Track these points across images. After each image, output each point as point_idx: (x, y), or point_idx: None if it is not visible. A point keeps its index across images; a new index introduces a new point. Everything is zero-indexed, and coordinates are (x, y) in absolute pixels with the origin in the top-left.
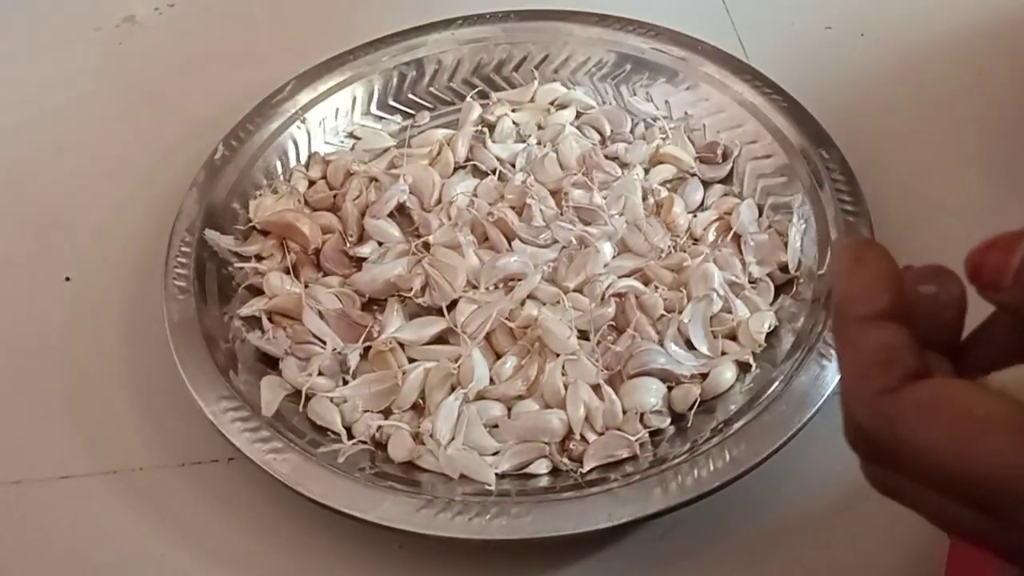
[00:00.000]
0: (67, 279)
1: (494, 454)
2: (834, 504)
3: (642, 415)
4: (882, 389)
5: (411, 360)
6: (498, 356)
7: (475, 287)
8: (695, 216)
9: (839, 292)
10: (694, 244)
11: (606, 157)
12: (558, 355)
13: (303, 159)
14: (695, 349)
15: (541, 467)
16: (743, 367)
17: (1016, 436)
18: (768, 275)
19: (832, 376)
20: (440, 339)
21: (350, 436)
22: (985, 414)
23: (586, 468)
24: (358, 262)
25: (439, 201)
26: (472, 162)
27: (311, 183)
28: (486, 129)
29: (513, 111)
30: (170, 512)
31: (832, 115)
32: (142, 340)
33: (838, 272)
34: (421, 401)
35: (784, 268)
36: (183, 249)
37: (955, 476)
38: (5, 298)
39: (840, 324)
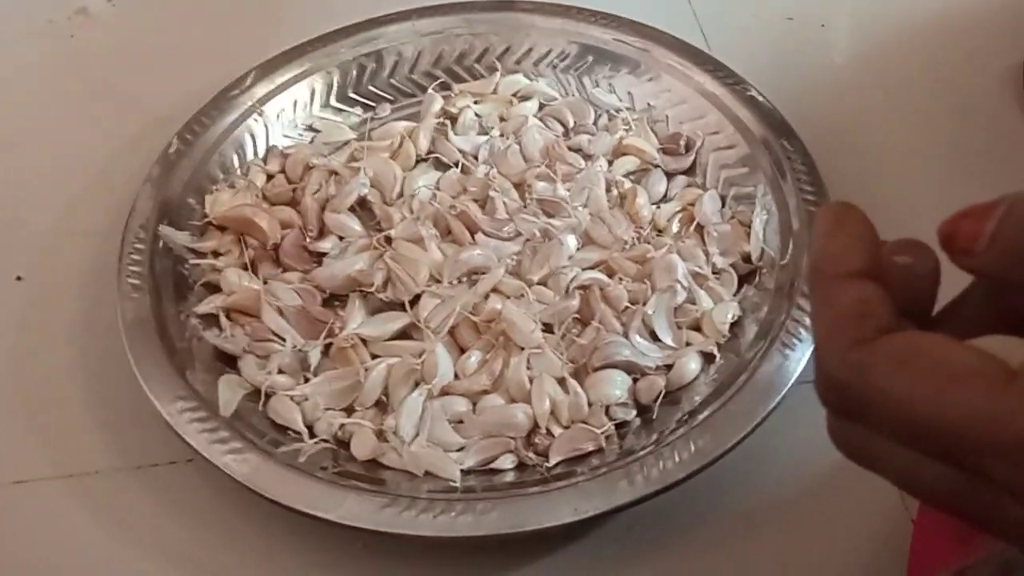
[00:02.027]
0: (18, 278)
1: (459, 450)
2: (800, 491)
3: (607, 408)
4: (856, 339)
5: (374, 356)
6: (462, 351)
7: (438, 281)
8: (659, 207)
9: (817, 250)
10: (658, 235)
11: (569, 149)
12: (523, 349)
13: (261, 153)
14: (660, 341)
15: (507, 462)
16: (707, 358)
17: (988, 383)
18: (731, 265)
19: (796, 366)
20: (403, 334)
21: (312, 435)
22: (959, 362)
23: (552, 462)
24: (318, 257)
25: (401, 194)
26: (434, 155)
27: (269, 177)
28: (448, 121)
29: (475, 103)
30: (128, 516)
31: (794, 105)
32: (97, 340)
33: (817, 232)
34: (384, 398)
35: (747, 258)
36: (137, 246)
37: (927, 424)
38: None
39: (816, 281)
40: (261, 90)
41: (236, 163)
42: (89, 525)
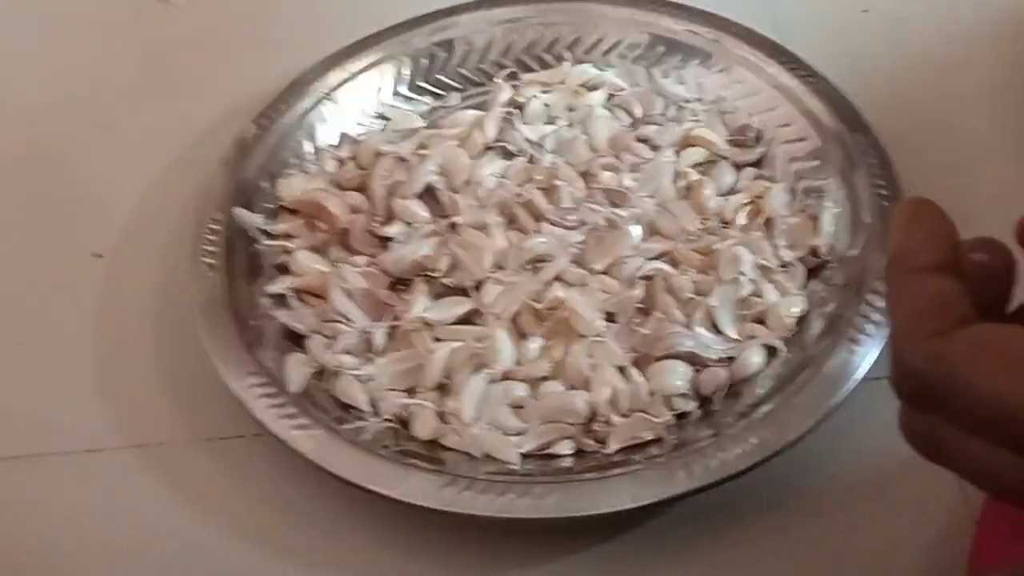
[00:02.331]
0: (97, 255)
1: (518, 434)
2: (861, 488)
3: (668, 398)
4: (937, 330)
5: (437, 340)
6: (524, 337)
7: (502, 268)
8: (726, 199)
9: (896, 244)
10: (724, 227)
11: (637, 139)
12: (584, 337)
13: (332, 139)
14: (723, 333)
15: (565, 448)
16: (771, 351)
17: None
18: (799, 259)
19: (862, 362)
20: (466, 319)
21: (375, 414)
22: None
23: (610, 449)
24: (385, 242)
25: (468, 182)
26: (501, 143)
27: (340, 163)
28: (516, 110)
29: (543, 92)
30: (195, 487)
31: (868, 99)
32: (171, 316)
33: (895, 226)
34: (446, 381)
35: (815, 252)
36: (212, 227)
37: (1007, 414)
38: (35, 273)
39: (894, 275)
40: (334, 78)
41: (309, 149)
42: (157, 494)
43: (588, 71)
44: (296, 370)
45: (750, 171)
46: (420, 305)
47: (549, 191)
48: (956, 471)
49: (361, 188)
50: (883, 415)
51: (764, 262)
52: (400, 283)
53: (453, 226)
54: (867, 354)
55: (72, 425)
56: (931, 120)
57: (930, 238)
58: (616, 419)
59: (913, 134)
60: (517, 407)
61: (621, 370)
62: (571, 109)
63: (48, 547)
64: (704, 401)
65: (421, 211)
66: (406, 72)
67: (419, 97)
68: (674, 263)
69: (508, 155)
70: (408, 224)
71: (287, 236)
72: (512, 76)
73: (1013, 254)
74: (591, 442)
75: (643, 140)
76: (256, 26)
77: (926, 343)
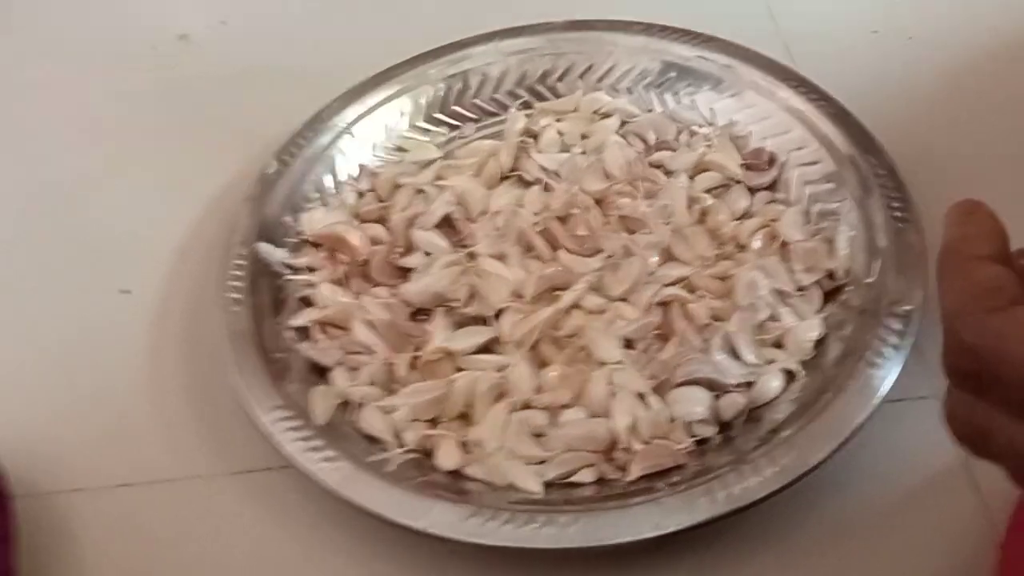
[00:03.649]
0: (125, 291)
1: (540, 463)
2: (882, 512)
3: (688, 424)
4: (992, 308)
5: (458, 369)
6: (544, 365)
7: (520, 297)
8: (740, 223)
9: (951, 236)
10: (740, 251)
11: (651, 165)
12: (604, 364)
13: (352, 172)
14: (741, 358)
15: (587, 476)
16: (790, 376)
17: None
18: (815, 283)
19: (882, 384)
20: (486, 348)
21: (399, 445)
22: None
23: (632, 477)
24: (405, 273)
25: (485, 212)
26: (517, 172)
27: (360, 195)
28: (531, 139)
29: (557, 121)
30: (224, 519)
31: (880, 121)
32: (197, 351)
33: (949, 221)
34: (467, 410)
35: (832, 275)
36: (238, 262)
37: None
38: (62, 309)
39: (949, 261)
40: (352, 112)
41: (329, 183)
42: (188, 528)
43: (601, 99)
44: (322, 402)
45: (764, 195)
46: (441, 335)
47: (565, 219)
48: (999, 460)
49: (381, 220)
50: (904, 438)
51: (781, 286)
52: (421, 313)
53: (471, 256)
54: (886, 376)
55: (102, 460)
56: (944, 140)
57: (984, 231)
58: (637, 446)
59: (926, 155)
60: (538, 435)
61: (641, 397)
62: (585, 137)
63: None
64: (724, 427)
65: (440, 241)
66: (422, 104)
67: (435, 128)
68: (691, 289)
69: (524, 184)
70: (427, 254)
71: (310, 269)
72: (526, 105)
73: None
74: (612, 470)
75: (657, 166)
76: (274, 62)
77: (982, 317)
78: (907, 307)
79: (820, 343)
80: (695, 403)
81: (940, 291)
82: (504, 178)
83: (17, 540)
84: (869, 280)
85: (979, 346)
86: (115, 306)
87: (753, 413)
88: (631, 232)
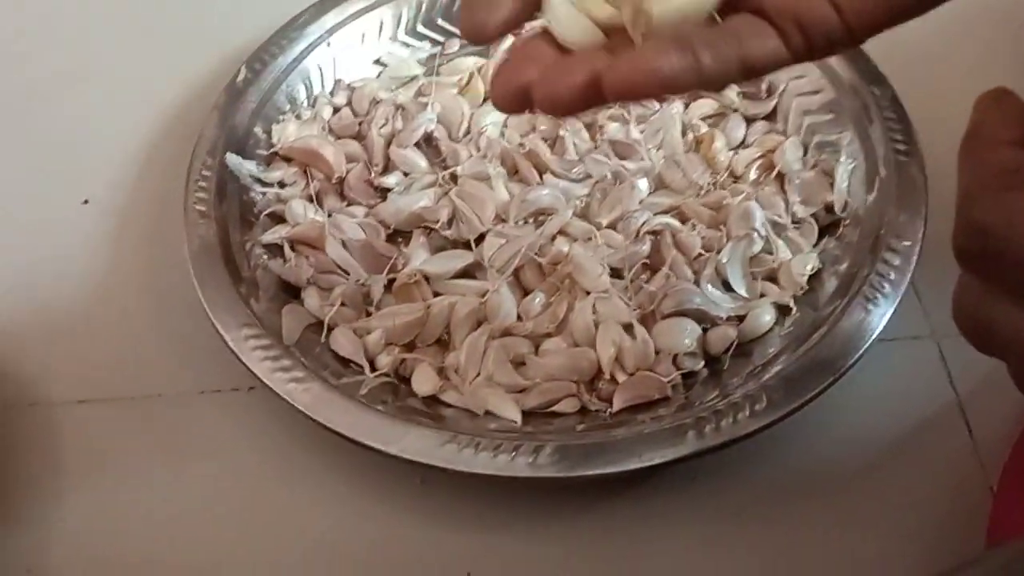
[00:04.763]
0: (85, 202)
1: (520, 391)
2: (874, 454)
3: (675, 356)
4: (1008, 186)
5: (436, 294)
6: (526, 292)
7: (504, 221)
8: (736, 153)
9: (975, 121)
10: (735, 182)
11: None
12: (589, 293)
13: (328, 84)
14: (733, 290)
15: (568, 406)
16: (783, 310)
17: None
18: (812, 216)
19: (878, 322)
20: (466, 273)
21: (373, 369)
22: None
23: (615, 408)
24: (383, 192)
25: (468, 132)
26: None
27: (336, 110)
28: None
29: None
30: (188, 439)
31: (885, 52)
32: (162, 265)
33: (976, 108)
34: (446, 336)
35: (830, 209)
36: (204, 173)
37: None
38: (23, 218)
39: (971, 145)
40: (330, 20)
41: (303, 94)
42: (150, 447)
43: None
44: (291, 322)
45: (761, 124)
46: (419, 258)
47: (553, 142)
48: (1003, 354)
49: (357, 136)
50: (896, 378)
51: (776, 218)
52: (399, 235)
53: (453, 177)
54: (882, 314)
55: (62, 375)
56: (950, 73)
57: (1009, 117)
58: (621, 377)
59: (931, 87)
60: (519, 364)
61: (627, 328)
62: None
63: (44, 492)
64: (712, 360)
65: (420, 161)
66: (405, 16)
67: (417, 43)
68: (682, 218)
69: None
70: (406, 174)
71: (281, 184)
72: None
73: None
74: (595, 400)
75: None
76: None
77: (996, 196)
78: (906, 242)
79: (815, 278)
80: (683, 335)
81: (959, 172)
82: (489, 97)
83: None
84: (868, 212)
85: (989, 224)
86: (76, 216)
87: (743, 347)
88: (622, 158)
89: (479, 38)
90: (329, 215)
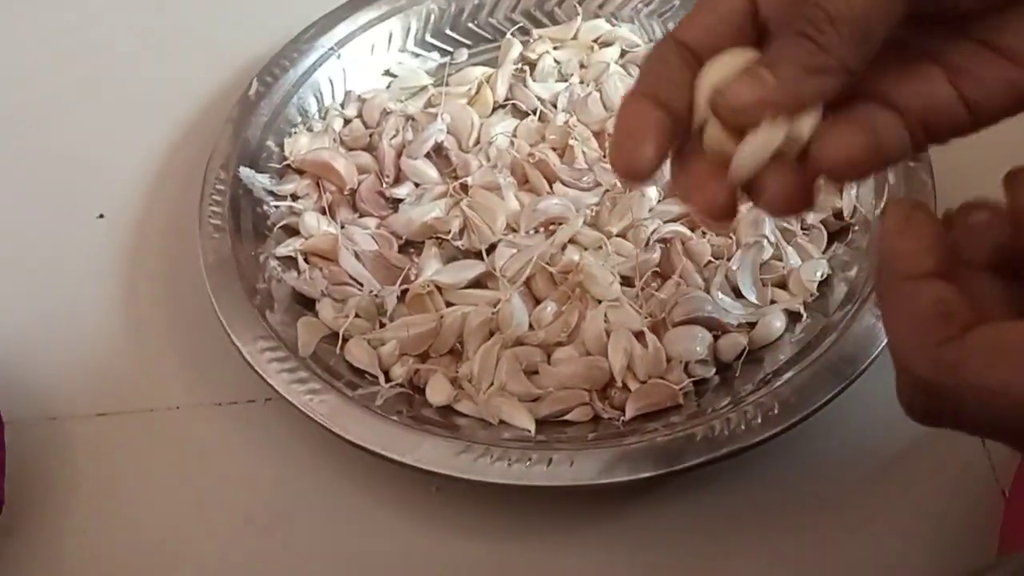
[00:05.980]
0: (100, 216)
1: (533, 400)
2: (886, 458)
3: (687, 364)
4: (943, 338)
5: (448, 304)
6: (538, 302)
7: (515, 231)
8: None
9: (888, 250)
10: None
11: None
12: (600, 301)
13: (338, 97)
14: (743, 297)
15: (581, 415)
16: (793, 317)
17: None
18: (822, 222)
19: None
20: (478, 283)
21: (387, 379)
22: None
23: (628, 416)
24: (395, 203)
25: (478, 142)
26: (512, 101)
27: (347, 122)
28: (527, 67)
29: (555, 49)
30: (205, 451)
31: None
32: (178, 278)
33: (886, 231)
34: (459, 346)
35: (839, 215)
36: (218, 187)
37: None
38: (38, 233)
39: (887, 282)
40: (340, 32)
41: (314, 107)
42: (167, 459)
43: (601, 26)
44: (307, 334)
45: None
46: (431, 268)
47: (562, 151)
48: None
49: (368, 148)
50: None
51: (786, 225)
52: (411, 245)
53: (464, 187)
54: None
55: (80, 389)
56: None
57: (922, 242)
58: (633, 386)
59: None
60: (532, 373)
61: (638, 336)
62: (584, 66)
63: (62, 505)
64: (723, 368)
65: (431, 171)
66: (413, 27)
67: (426, 53)
68: (692, 226)
69: (519, 114)
70: (417, 185)
71: (294, 197)
72: (523, 32)
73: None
74: (608, 409)
75: None
76: None
77: (934, 351)
78: None
79: (824, 284)
80: (694, 343)
81: (884, 319)
82: (498, 107)
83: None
84: (879, 210)
85: (935, 381)
86: (91, 231)
87: (754, 354)
88: None
89: (636, 178)
90: (342, 227)
